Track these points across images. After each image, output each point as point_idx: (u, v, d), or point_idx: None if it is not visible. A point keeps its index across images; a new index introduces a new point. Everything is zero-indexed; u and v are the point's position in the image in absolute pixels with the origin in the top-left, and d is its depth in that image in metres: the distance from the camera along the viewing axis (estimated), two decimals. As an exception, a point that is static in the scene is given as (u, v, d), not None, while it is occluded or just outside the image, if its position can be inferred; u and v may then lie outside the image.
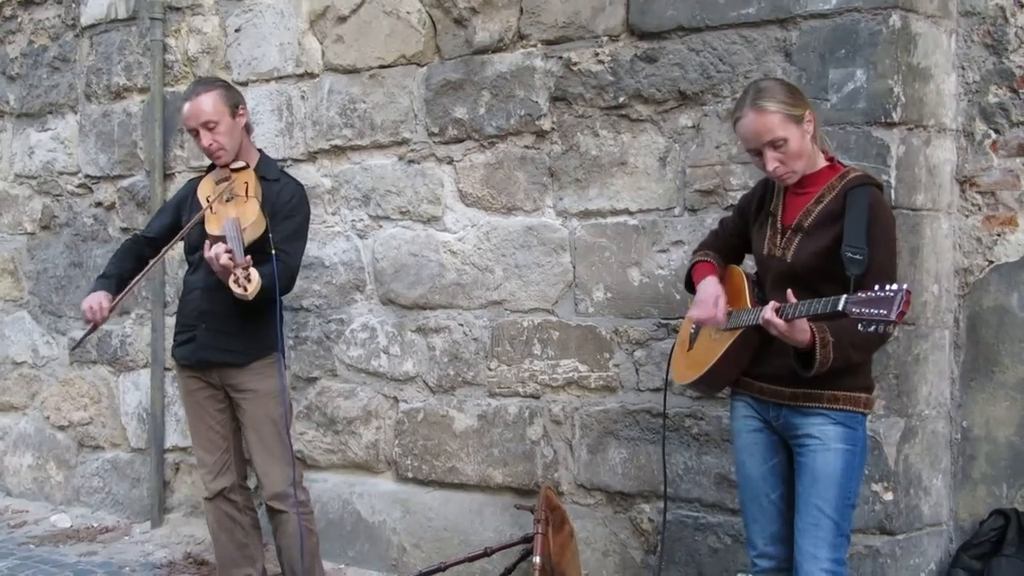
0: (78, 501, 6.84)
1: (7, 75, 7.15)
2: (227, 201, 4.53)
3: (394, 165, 5.51)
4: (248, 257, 4.33)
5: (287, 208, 4.64)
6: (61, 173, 6.91)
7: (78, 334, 6.73)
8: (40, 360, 7.04)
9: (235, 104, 4.65)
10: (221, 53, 6.13)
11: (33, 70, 7.01)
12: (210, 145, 4.61)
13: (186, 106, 4.64)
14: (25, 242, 7.11)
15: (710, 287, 3.71)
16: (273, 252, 4.47)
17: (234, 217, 4.44)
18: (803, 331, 3.27)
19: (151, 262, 4.73)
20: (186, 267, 4.93)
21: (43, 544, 6.23)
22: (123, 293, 4.64)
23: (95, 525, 6.51)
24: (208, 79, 4.91)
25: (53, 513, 6.77)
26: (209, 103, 4.58)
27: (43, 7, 6.97)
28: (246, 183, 4.58)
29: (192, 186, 4.86)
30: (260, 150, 4.91)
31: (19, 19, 7.09)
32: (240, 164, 4.67)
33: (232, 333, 4.61)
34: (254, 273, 4.29)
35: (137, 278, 4.66)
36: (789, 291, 3.29)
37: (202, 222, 4.53)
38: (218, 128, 4.59)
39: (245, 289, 4.27)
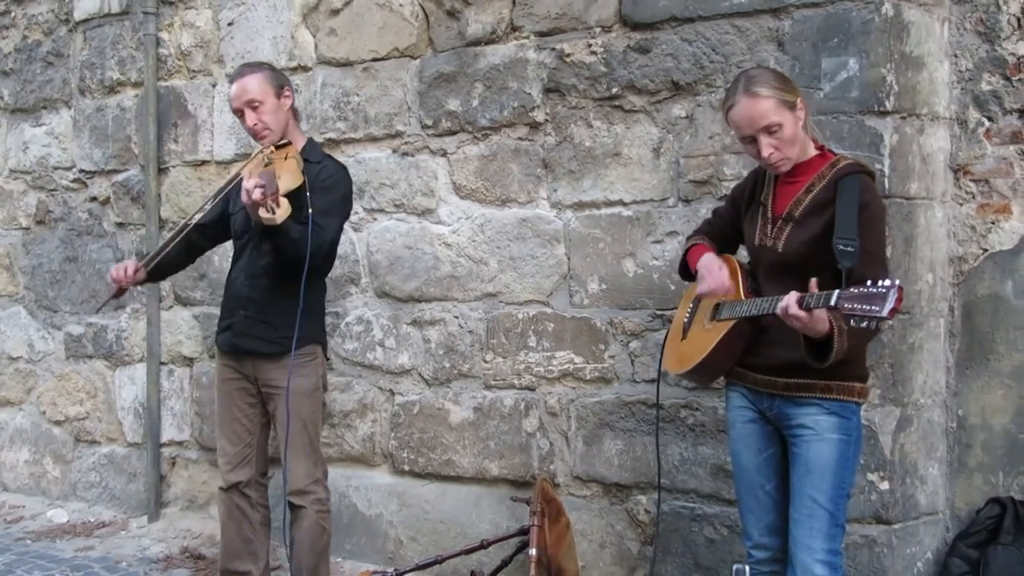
0: (75, 496, 6.84)
1: (1, 70, 7.14)
2: (266, 166, 4.51)
3: (388, 158, 5.50)
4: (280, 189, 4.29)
5: (325, 186, 4.59)
6: (55, 168, 6.90)
7: (74, 328, 6.76)
8: (36, 355, 7.04)
9: (280, 85, 4.64)
10: (214, 47, 6.12)
11: (27, 65, 7.00)
12: (255, 124, 4.60)
13: (232, 87, 4.66)
14: (20, 237, 7.11)
15: (712, 261, 3.68)
16: (309, 213, 4.41)
17: (271, 168, 4.41)
18: (822, 321, 3.23)
19: (173, 233, 4.72)
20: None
21: (40, 539, 6.23)
22: (147, 259, 4.64)
23: (92, 520, 6.51)
24: (256, 62, 4.96)
25: (50, 508, 6.77)
26: (254, 83, 4.58)
27: (36, 2, 6.96)
28: (287, 153, 4.55)
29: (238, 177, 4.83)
30: (309, 137, 4.87)
31: (12, 14, 7.08)
32: (284, 142, 4.63)
33: (267, 322, 4.59)
34: (284, 202, 4.25)
35: (161, 247, 4.67)
36: (813, 280, 3.25)
37: (238, 192, 4.45)
38: (262, 108, 4.58)
39: (273, 212, 4.22)
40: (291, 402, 4.58)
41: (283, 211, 4.24)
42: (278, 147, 4.60)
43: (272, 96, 4.60)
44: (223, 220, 4.81)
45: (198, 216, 4.78)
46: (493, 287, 5.21)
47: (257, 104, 4.58)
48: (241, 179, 4.66)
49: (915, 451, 4.35)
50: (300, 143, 4.71)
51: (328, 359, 4.89)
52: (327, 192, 4.58)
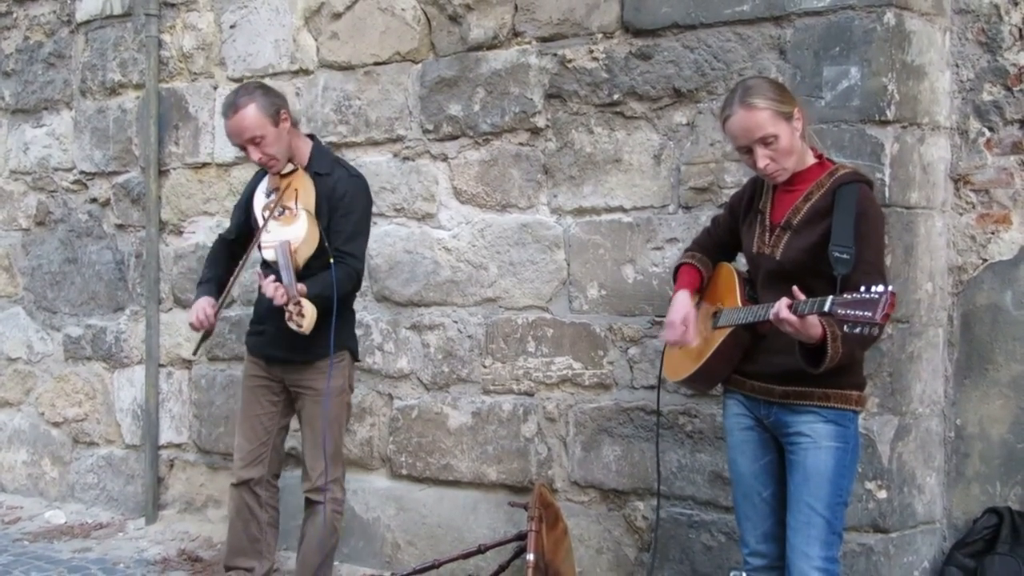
0: (72, 497, 6.83)
1: (2, 71, 7.14)
2: (279, 216, 4.48)
3: (389, 162, 5.51)
4: (301, 287, 4.29)
5: (343, 206, 4.54)
6: (56, 169, 6.90)
7: (73, 330, 6.76)
8: (35, 356, 7.04)
9: (276, 111, 4.52)
10: (216, 49, 6.12)
11: (28, 66, 7.01)
12: (260, 159, 4.54)
13: (226, 123, 4.55)
14: (20, 238, 7.10)
15: (679, 305, 3.73)
16: (332, 261, 4.42)
17: (284, 241, 4.37)
18: (815, 326, 3.25)
19: (238, 266, 4.69)
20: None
21: (37, 540, 6.22)
22: (223, 296, 4.68)
23: (89, 521, 6.51)
24: (244, 88, 4.73)
25: (47, 509, 6.76)
26: (249, 118, 4.46)
27: (38, 3, 6.96)
28: (296, 190, 4.49)
29: (255, 181, 4.79)
30: (312, 138, 4.79)
31: (14, 15, 7.08)
32: (289, 168, 4.59)
33: (297, 335, 4.49)
34: (307, 307, 4.26)
35: (232, 278, 4.67)
36: (795, 288, 3.27)
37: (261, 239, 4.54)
38: (264, 141, 4.49)
39: (300, 325, 4.26)
40: (324, 406, 4.59)
41: (308, 320, 4.28)
42: (285, 175, 4.57)
43: (270, 126, 4.50)
44: (249, 229, 4.74)
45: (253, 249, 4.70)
46: (492, 292, 5.21)
47: (259, 139, 4.49)
48: (257, 189, 4.70)
49: (913, 460, 4.35)
50: (305, 152, 4.66)
51: (358, 360, 4.90)
52: (347, 215, 4.55)
